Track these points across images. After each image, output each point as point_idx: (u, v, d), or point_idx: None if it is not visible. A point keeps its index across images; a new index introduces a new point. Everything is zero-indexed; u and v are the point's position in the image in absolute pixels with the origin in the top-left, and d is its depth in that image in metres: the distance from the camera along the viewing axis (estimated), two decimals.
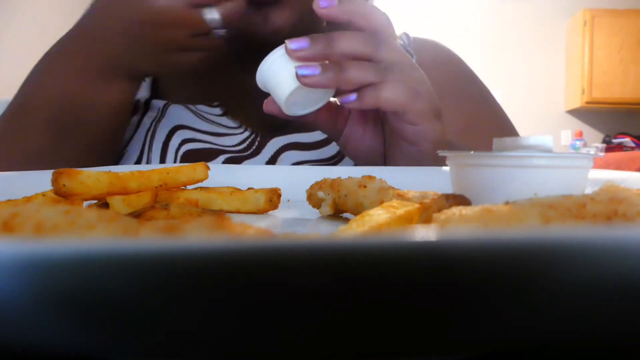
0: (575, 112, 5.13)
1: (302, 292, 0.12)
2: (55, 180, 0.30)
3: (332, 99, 0.54)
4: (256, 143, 0.70)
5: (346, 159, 0.68)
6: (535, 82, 5.11)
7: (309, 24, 0.69)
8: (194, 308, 0.12)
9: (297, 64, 0.48)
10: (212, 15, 0.54)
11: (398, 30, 0.84)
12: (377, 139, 0.57)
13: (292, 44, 0.48)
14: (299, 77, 0.48)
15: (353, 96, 0.49)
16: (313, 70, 0.48)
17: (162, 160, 0.69)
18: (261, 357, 0.14)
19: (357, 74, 0.49)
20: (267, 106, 0.53)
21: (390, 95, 0.49)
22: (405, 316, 0.13)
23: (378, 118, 0.56)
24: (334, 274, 0.12)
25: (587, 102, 4.75)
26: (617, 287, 0.13)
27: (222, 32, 0.56)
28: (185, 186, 0.39)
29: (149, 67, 0.60)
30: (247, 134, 0.71)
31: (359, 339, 0.14)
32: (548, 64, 5.11)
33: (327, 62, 0.49)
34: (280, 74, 0.49)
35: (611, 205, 0.23)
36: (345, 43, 0.49)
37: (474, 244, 0.12)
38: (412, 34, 0.84)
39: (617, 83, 4.73)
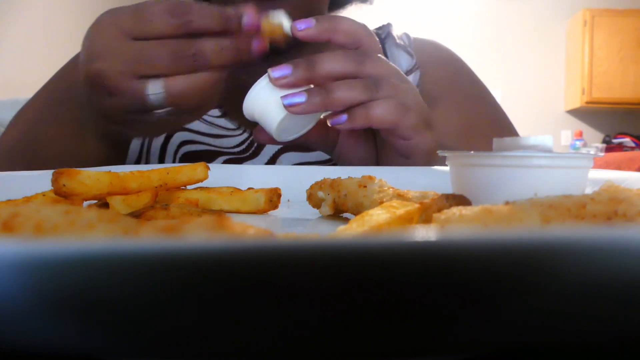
0: (575, 112, 5.12)
1: (302, 292, 0.12)
2: (55, 180, 0.30)
3: (322, 116, 0.53)
4: (255, 144, 0.70)
5: None
6: (535, 82, 5.11)
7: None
8: (194, 308, 0.12)
9: (283, 92, 0.47)
10: (155, 90, 0.46)
11: (398, 31, 0.84)
12: (370, 149, 0.56)
13: (274, 72, 0.47)
14: (285, 106, 0.47)
15: (343, 117, 0.48)
16: (299, 98, 0.47)
17: (161, 162, 0.69)
18: (261, 356, 0.14)
19: (345, 94, 0.48)
20: (257, 135, 0.52)
21: (381, 113, 0.48)
22: (405, 316, 0.13)
23: (369, 129, 0.56)
24: (334, 273, 0.12)
25: (587, 102, 4.75)
26: (617, 287, 0.13)
27: (163, 112, 0.48)
28: (185, 186, 0.39)
29: (101, 130, 0.56)
30: (246, 135, 0.71)
31: (359, 339, 0.14)
32: (548, 64, 5.11)
33: (312, 86, 0.48)
34: (266, 104, 0.48)
35: (611, 205, 0.23)
36: (328, 64, 0.48)
37: (474, 244, 0.12)
38: (412, 34, 0.84)
39: (617, 83, 4.73)
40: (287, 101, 0.47)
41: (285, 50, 0.70)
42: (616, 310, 0.14)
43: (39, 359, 0.15)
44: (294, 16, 0.64)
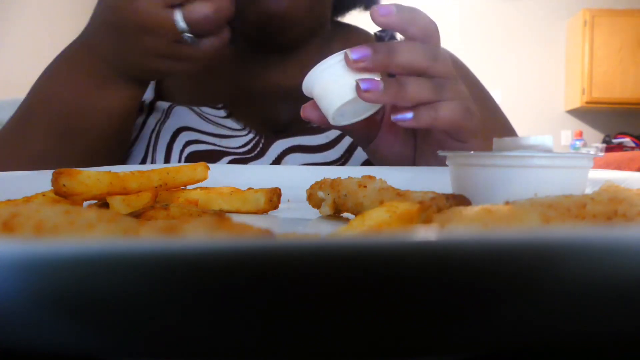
0: (575, 112, 5.12)
1: (302, 292, 0.12)
2: (55, 180, 0.30)
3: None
4: (260, 145, 0.70)
5: (350, 162, 0.68)
6: (535, 82, 5.11)
7: (319, 11, 0.69)
8: (194, 308, 0.12)
9: (354, 74, 0.46)
10: (177, 18, 0.53)
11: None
12: (408, 146, 0.56)
13: (354, 53, 0.46)
14: (360, 90, 0.46)
15: (410, 114, 0.47)
16: (376, 85, 0.46)
17: (167, 161, 0.69)
18: (261, 356, 0.14)
19: (415, 91, 0.47)
20: (305, 112, 0.51)
21: (447, 114, 0.47)
22: (405, 316, 0.13)
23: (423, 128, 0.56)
24: (334, 273, 0.12)
25: (587, 102, 4.75)
26: (617, 286, 0.13)
27: (190, 37, 0.54)
28: (185, 186, 0.39)
29: (137, 72, 0.60)
30: (251, 135, 0.71)
31: (358, 339, 0.14)
32: (548, 64, 5.11)
33: (380, 76, 0.48)
34: (335, 82, 0.47)
35: (611, 205, 0.23)
36: (408, 54, 0.47)
37: (474, 243, 0.12)
38: None
39: (617, 83, 4.73)
40: (365, 85, 0.46)
41: (293, 46, 0.70)
42: (616, 310, 0.14)
43: (39, 358, 0.15)
44: (303, 7, 0.64)
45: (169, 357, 0.15)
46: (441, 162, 0.52)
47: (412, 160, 0.56)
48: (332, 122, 0.49)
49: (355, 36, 0.82)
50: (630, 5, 4.83)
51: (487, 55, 5.01)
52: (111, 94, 0.60)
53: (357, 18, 0.78)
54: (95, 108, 0.60)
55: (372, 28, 0.89)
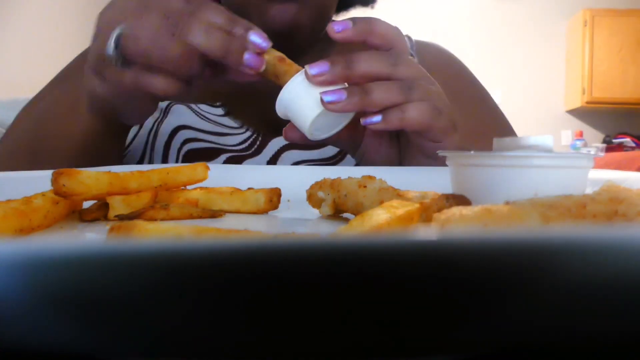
0: (575, 112, 5.12)
1: (302, 292, 0.12)
2: (55, 180, 0.30)
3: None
4: (257, 143, 0.71)
5: (346, 158, 0.69)
6: (535, 82, 5.11)
7: (324, 18, 0.69)
8: (193, 308, 0.12)
9: (319, 89, 0.47)
10: (114, 32, 0.47)
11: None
12: (393, 150, 0.56)
13: (312, 69, 0.47)
14: (324, 103, 0.46)
15: (378, 117, 0.49)
16: (339, 95, 0.47)
17: (165, 159, 0.69)
18: (262, 355, 0.14)
19: (381, 95, 0.48)
20: (287, 134, 0.52)
21: (415, 115, 0.48)
22: (405, 316, 0.13)
23: (393, 130, 0.56)
24: (334, 273, 0.12)
25: (587, 102, 4.75)
26: (617, 286, 0.13)
27: (111, 56, 0.47)
28: (185, 186, 0.39)
29: (86, 90, 0.55)
30: (248, 133, 0.71)
31: (358, 339, 0.14)
32: (548, 64, 5.11)
33: (346, 85, 0.48)
34: (301, 100, 0.48)
35: (611, 205, 0.23)
36: (365, 64, 0.48)
37: (474, 243, 0.12)
38: (411, 34, 0.84)
39: (617, 83, 4.73)
40: (328, 98, 0.46)
41: (297, 52, 0.70)
42: (616, 310, 0.14)
43: (39, 358, 0.15)
44: (309, 15, 0.64)
45: (168, 357, 0.15)
46: (438, 161, 0.52)
47: (399, 164, 0.57)
48: (310, 138, 0.50)
49: None
50: (631, 5, 4.83)
51: (487, 55, 5.01)
52: (76, 119, 0.57)
53: (356, 16, 0.78)
54: (63, 133, 0.58)
55: None
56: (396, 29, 0.53)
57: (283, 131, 0.52)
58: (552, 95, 5.13)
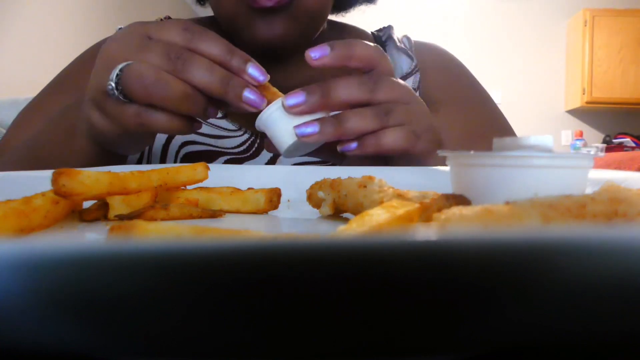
0: (575, 112, 5.12)
1: (302, 291, 0.12)
2: (55, 180, 0.30)
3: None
4: (256, 145, 0.71)
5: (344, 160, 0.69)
6: (535, 82, 5.11)
7: (314, 31, 0.69)
8: (193, 308, 0.12)
9: (295, 117, 0.48)
10: (117, 67, 0.46)
11: (399, 33, 0.84)
12: (378, 161, 0.57)
13: (289, 100, 0.47)
14: (297, 135, 0.47)
15: (353, 145, 0.49)
16: (312, 128, 0.47)
17: (162, 162, 0.69)
18: (262, 356, 0.14)
19: (356, 124, 0.48)
20: (268, 147, 0.53)
21: (390, 142, 0.49)
22: (405, 316, 0.13)
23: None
24: (334, 273, 0.12)
25: (587, 102, 4.75)
26: (617, 286, 0.13)
27: (112, 90, 0.46)
28: (185, 186, 0.39)
29: (83, 119, 0.54)
30: (246, 136, 0.71)
31: (358, 339, 0.14)
32: (548, 64, 5.11)
33: (323, 114, 0.49)
34: (277, 129, 0.49)
35: (611, 205, 0.23)
36: (342, 92, 0.48)
37: (474, 243, 0.12)
38: (411, 34, 0.84)
39: (617, 83, 4.73)
40: (300, 131, 0.47)
41: (290, 56, 0.70)
42: (616, 310, 0.14)
43: (39, 358, 0.15)
44: (298, 27, 0.64)
45: (168, 357, 0.15)
46: (439, 162, 0.52)
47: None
48: (287, 157, 0.52)
49: (353, 36, 0.82)
50: (631, 5, 4.83)
51: (488, 55, 5.01)
52: (73, 145, 0.57)
53: (356, 18, 0.78)
54: (56, 157, 0.57)
55: (371, 25, 0.89)
56: (377, 49, 0.52)
57: (264, 144, 0.53)
58: (552, 95, 5.13)
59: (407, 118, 0.50)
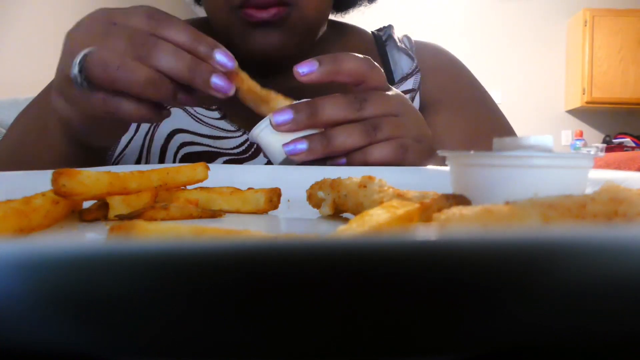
0: (575, 112, 5.12)
1: (302, 292, 0.12)
2: (55, 180, 0.30)
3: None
4: (254, 146, 0.71)
5: None
6: (535, 82, 5.11)
7: (311, 40, 0.69)
8: (193, 308, 0.12)
9: (284, 135, 0.49)
10: (81, 52, 0.45)
11: (399, 33, 0.84)
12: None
13: (276, 118, 0.48)
14: (286, 153, 0.48)
15: (342, 161, 0.50)
16: (301, 145, 0.48)
17: (161, 163, 0.69)
18: (260, 356, 0.14)
19: (344, 141, 0.49)
20: (265, 155, 0.54)
21: (378, 157, 0.49)
22: (405, 316, 0.13)
23: None
24: (333, 273, 0.12)
25: (587, 102, 4.75)
26: (617, 286, 0.13)
27: (76, 77, 0.45)
28: (185, 186, 0.39)
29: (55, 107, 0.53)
30: (245, 136, 0.71)
31: (358, 339, 0.14)
32: (548, 64, 5.11)
33: (312, 130, 0.50)
34: (268, 146, 0.50)
35: (611, 205, 0.23)
36: (330, 111, 0.49)
37: (474, 243, 0.12)
38: (411, 34, 0.84)
39: (617, 83, 4.73)
40: (289, 149, 0.48)
41: (269, 74, 0.69)
42: (616, 310, 0.14)
43: (39, 358, 0.15)
44: (294, 39, 0.63)
45: (168, 357, 0.15)
46: (439, 162, 0.52)
47: None
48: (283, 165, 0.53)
49: (353, 36, 0.82)
50: (631, 5, 4.84)
51: (487, 55, 5.01)
52: (48, 145, 0.56)
53: (356, 18, 0.78)
54: (36, 159, 0.57)
55: (371, 25, 0.89)
56: (367, 61, 0.52)
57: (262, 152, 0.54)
58: (552, 95, 5.13)
59: (396, 131, 0.50)
